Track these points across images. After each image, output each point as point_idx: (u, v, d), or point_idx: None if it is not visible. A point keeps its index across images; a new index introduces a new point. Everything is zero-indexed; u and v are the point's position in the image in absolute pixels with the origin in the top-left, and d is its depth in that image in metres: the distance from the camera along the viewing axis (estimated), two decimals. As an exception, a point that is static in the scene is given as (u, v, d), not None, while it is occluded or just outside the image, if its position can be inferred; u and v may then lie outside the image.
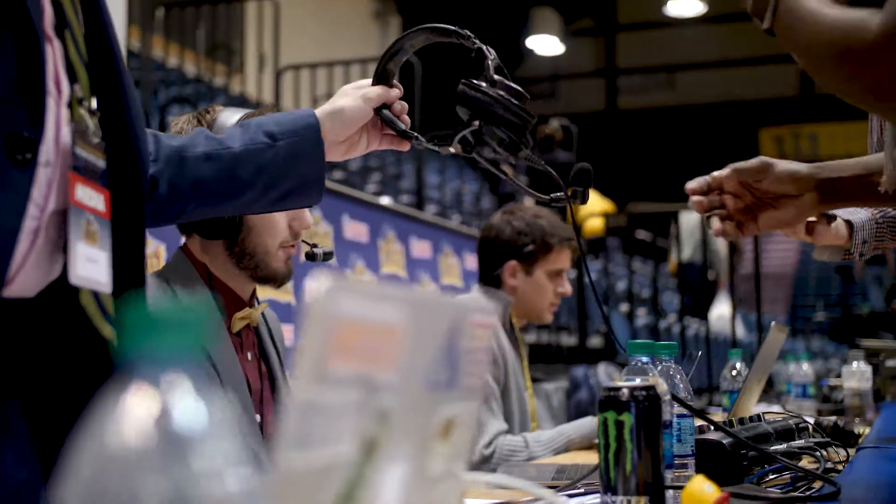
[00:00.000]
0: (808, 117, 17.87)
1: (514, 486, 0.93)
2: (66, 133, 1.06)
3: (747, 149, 17.60)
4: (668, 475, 1.42)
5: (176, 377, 0.49)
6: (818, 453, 1.61)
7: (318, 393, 0.59)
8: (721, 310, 8.35)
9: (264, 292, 2.63)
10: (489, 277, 2.75)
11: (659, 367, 1.56)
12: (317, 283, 0.58)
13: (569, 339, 7.04)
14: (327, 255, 1.95)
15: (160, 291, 1.74)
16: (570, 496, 1.39)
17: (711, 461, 1.59)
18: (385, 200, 5.44)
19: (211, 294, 1.77)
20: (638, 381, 1.32)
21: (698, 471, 1.57)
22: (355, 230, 4.21)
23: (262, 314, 1.90)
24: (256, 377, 1.83)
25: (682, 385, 1.55)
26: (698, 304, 8.53)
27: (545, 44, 16.68)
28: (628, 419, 1.22)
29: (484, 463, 2.45)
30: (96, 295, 1.10)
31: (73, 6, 1.11)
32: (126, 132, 1.17)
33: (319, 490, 0.62)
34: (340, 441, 0.63)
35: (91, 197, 1.07)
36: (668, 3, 13.47)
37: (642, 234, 9.71)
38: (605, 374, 4.09)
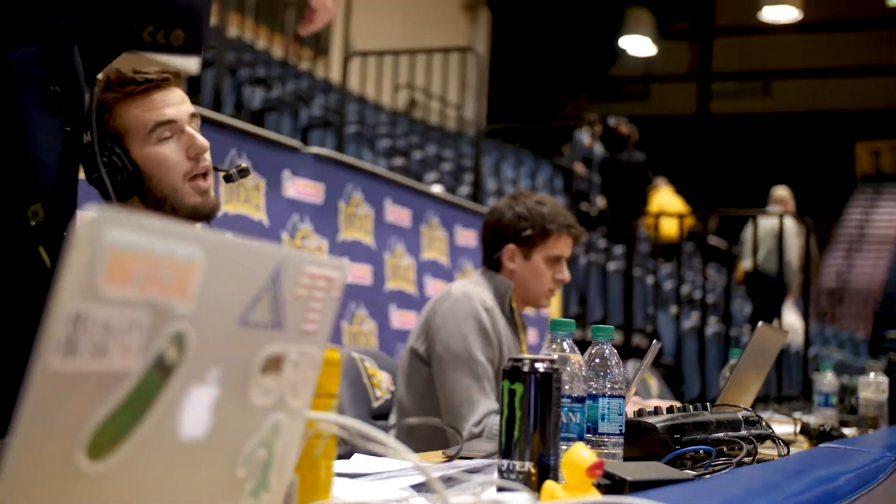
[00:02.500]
0: (907, 131, 17.41)
1: (370, 434, 1.01)
2: None
3: (843, 161, 17.26)
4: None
5: None
6: (750, 444, 1.65)
7: (86, 307, 0.68)
8: (790, 320, 8.24)
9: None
10: (490, 261, 2.82)
11: (595, 348, 1.63)
12: (86, 212, 0.68)
13: (615, 337, 7.04)
14: (243, 172, 1.99)
15: None
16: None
17: (643, 443, 1.65)
18: (436, 189, 5.52)
19: None
20: (545, 355, 1.39)
21: (632, 452, 1.63)
22: (397, 214, 4.31)
23: None
24: None
25: (616, 369, 1.61)
26: (766, 313, 8.44)
27: (638, 44, 16.56)
28: (520, 388, 1.29)
29: (473, 440, 2.52)
30: None
31: None
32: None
33: (94, 396, 0.71)
34: (126, 356, 0.73)
35: None
36: (763, 9, 13.23)
37: (714, 241, 9.61)
38: (632, 371, 4.10)
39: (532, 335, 4.98)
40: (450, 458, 1.77)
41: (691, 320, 7.62)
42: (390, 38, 10.49)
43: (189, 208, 1.87)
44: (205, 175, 1.89)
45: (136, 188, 1.86)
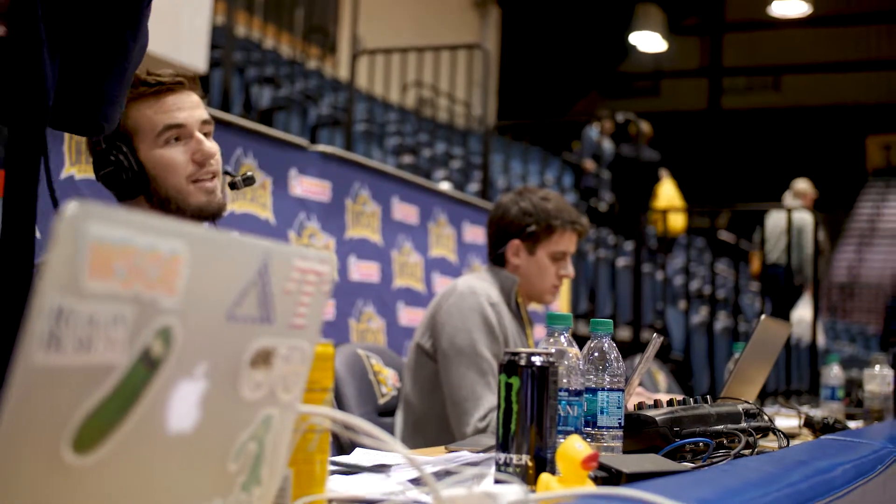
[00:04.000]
0: (919, 125, 17.34)
1: (360, 427, 1.02)
2: None
3: (853, 155, 17.18)
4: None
5: None
6: (749, 437, 1.65)
7: (69, 301, 0.69)
8: (802, 313, 8.21)
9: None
10: (495, 256, 2.82)
11: (594, 342, 1.63)
12: (67, 206, 0.68)
13: (623, 333, 7.04)
14: (248, 181, 2.01)
15: None
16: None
17: (643, 436, 1.65)
18: (445, 186, 5.52)
19: None
20: (542, 349, 1.39)
21: (631, 445, 1.63)
22: (405, 211, 4.31)
23: None
24: None
25: (615, 363, 1.61)
26: (781, 308, 8.42)
27: (648, 40, 16.54)
28: (516, 382, 1.30)
29: (477, 435, 2.53)
30: None
31: None
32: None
33: (79, 390, 0.72)
34: (111, 351, 0.73)
35: None
36: (773, 3, 13.21)
37: (724, 236, 9.59)
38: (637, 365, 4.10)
39: (540, 331, 4.98)
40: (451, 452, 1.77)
41: (700, 315, 7.61)
42: (399, 35, 10.50)
43: (194, 208, 1.88)
44: (212, 178, 1.91)
45: (141, 188, 1.88)
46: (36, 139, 1.29)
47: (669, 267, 8.75)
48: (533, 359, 1.30)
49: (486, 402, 2.58)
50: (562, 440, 1.42)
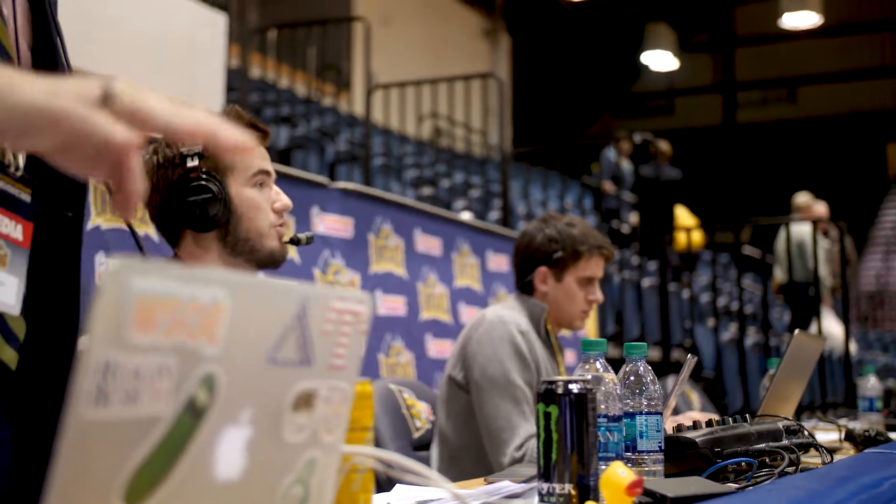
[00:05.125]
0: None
1: (404, 465, 1.02)
2: None
3: (874, 163, 17.07)
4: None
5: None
6: (792, 454, 1.63)
7: (115, 355, 0.69)
8: (828, 326, 8.15)
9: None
10: (523, 284, 2.82)
11: (629, 366, 1.62)
12: (109, 262, 0.69)
13: (653, 354, 7.01)
14: (309, 239, 2.05)
15: None
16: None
17: (685, 459, 1.64)
18: (466, 216, 5.53)
19: None
20: (578, 376, 1.39)
21: (673, 468, 1.62)
22: (427, 243, 4.32)
23: None
24: None
25: (652, 385, 1.60)
26: (805, 323, 8.36)
27: (660, 59, 16.56)
28: (555, 411, 1.29)
29: (515, 465, 2.51)
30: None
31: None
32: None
33: (127, 443, 0.72)
34: (157, 402, 0.74)
35: (6, 224, 1.17)
36: (784, 15, 13.21)
37: (748, 251, 9.54)
38: (670, 386, 4.07)
39: (570, 356, 4.96)
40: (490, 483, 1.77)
41: (730, 332, 7.56)
42: (411, 68, 10.54)
43: (268, 251, 1.94)
44: (284, 226, 1.98)
45: (223, 222, 1.91)
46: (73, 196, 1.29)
47: (695, 284, 8.71)
48: (570, 386, 1.30)
49: (522, 430, 2.57)
50: (603, 467, 1.42)
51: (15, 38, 1.23)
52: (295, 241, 2.04)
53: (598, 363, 1.48)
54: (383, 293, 3.97)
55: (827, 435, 2.90)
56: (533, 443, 2.54)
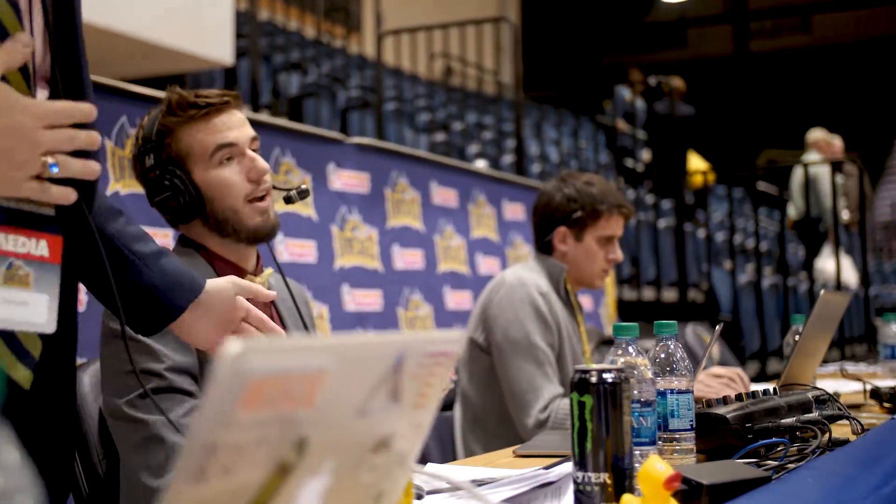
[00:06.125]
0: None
1: (449, 480, 1.01)
2: None
3: (891, 91, 16.83)
4: (652, 450, 1.48)
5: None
6: (823, 430, 1.63)
7: (220, 434, 0.68)
8: (840, 262, 8.12)
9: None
10: (542, 244, 2.81)
11: (659, 345, 1.61)
12: (229, 345, 0.67)
13: (669, 295, 7.01)
14: (303, 193, 2.01)
15: None
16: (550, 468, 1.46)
17: (715, 434, 1.63)
18: (480, 164, 5.49)
19: (212, 269, 1.89)
20: (610, 364, 1.38)
21: (704, 445, 1.62)
22: (444, 196, 4.30)
23: (284, 288, 2.01)
24: None
25: (682, 363, 1.59)
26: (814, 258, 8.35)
27: (671, -10, 16.33)
28: (589, 400, 1.28)
29: (539, 427, 2.52)
30: (13, 335, 1.19)
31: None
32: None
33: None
34: (251, 471, 0.72)
35: (24, 243, 1.16)
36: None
37: (763, 186, 9.48)
38: (693, 336, 4.08)
39: (585, 301, 4.96)
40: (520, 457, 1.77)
41: (747, 274, 7.54)
42: (421, 16, 10.40)
43: (250, 229, 1.90)
44: (263, 196, 1.92)
45: (197, 211, 1.89)
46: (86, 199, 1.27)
47: (711, 222, 8.67)
48: (605, 375, 1.29)
49: (545, 392, 2.57)
50: (637, 452, 1.42)
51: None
52: (288, 200, 2.01)
53: (630, 348, 1.47)
54: (401, 247, 3.96)
55: (849, 385, 2.90)
56: (557, 403, 2.54)
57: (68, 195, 1.14)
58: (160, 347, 1.75)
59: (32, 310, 1.16)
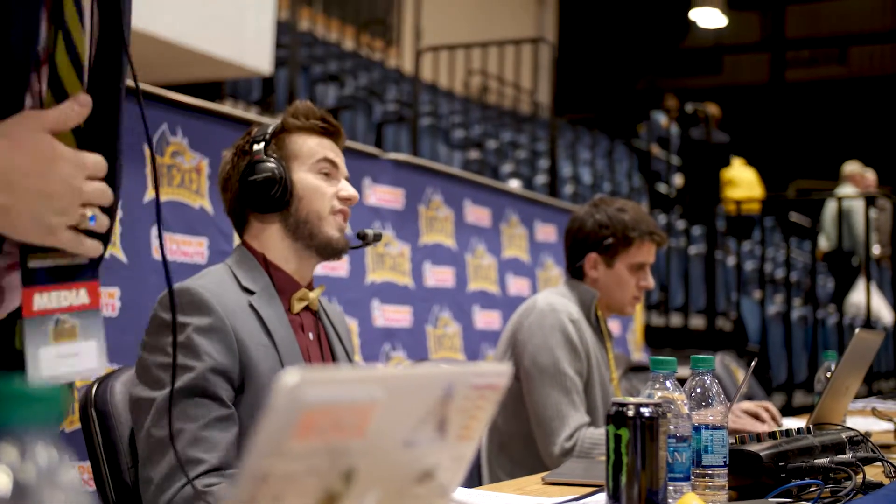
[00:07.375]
0: None
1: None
2: None
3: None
4: (686, 486, 1.47)
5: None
6: (857, 472, 1.62)
7: (272, 464, 0.69)
8: (861, 297, 8.04)
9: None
10: (573, 269, 2.80)
11: (696, 380, 1.61)
12: (286, 377, 0.68)
13: (696, 322, 6.97)
14: (377, 237, 2.08)
15: (226, 278, 1.89)
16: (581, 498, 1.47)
17: (748, 472, 1.63)
18: (514, 184, 5.50)
19: (269, 277, 1.92)
20: (647, 398, 1.38)
21: (736, 482, 1.61)
22: (476, 214, 4.30)
23: (325, 308, 2.03)
24: (319, 356, 1.96)
25: (717, 398, 1.59)
26: (845, 293, 8.28)
27: (708, 16, 16.28)
28: (625, 434, 1.29)
29: (565, 455, 2.51)
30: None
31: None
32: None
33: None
34: (299, 498, 0.73)
35: (65, 297, 1.17)
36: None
37: (795, 217, 9.41)
38: (720, 366, 4.05)
39: (613, 326, 4.95)
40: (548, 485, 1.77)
41: (776, 305, 7.49)
42: (459, 31, 10.44)
43: (326, 238, 1.94)
44: (345, 217, 1.98)
45: (283, 204, 1.93)
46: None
47: (741, 250, 8.62)
48: (642, 410, 1.29)
49: (572, 420, 2.56)
50: (671, 488, 1.41)
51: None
52: (362, 236, 2.06)
53: (668, 382, 1.47)
54: (432, 264, 3.97)
55: (880, 424, 2.88)
56: (583, 432, 2.53)
57: (98, 249, 1.17)
58: (205, 346, 1.77)
59: (83, 358, 1.17)
